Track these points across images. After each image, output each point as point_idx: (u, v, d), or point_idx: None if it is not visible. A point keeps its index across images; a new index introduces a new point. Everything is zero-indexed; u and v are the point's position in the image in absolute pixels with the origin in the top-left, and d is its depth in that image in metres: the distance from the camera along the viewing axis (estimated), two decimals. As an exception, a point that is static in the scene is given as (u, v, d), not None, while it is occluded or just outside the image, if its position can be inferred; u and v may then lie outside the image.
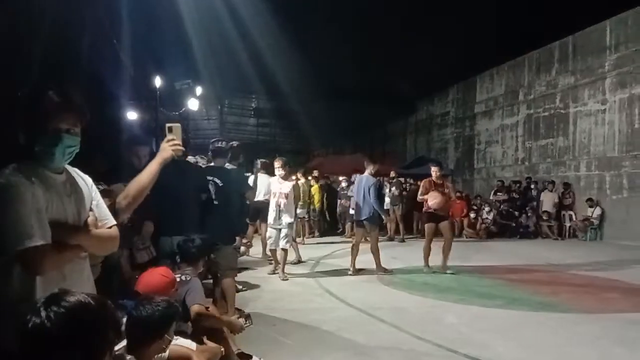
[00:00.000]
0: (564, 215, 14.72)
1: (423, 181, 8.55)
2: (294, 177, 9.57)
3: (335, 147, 31.53)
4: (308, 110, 25.60)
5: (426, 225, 8.43)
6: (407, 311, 5.80)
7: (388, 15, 20.48)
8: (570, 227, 14.56)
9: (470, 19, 18.38)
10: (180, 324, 3.18)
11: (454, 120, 22.09)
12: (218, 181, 5.01)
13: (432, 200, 8.03)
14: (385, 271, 8.16)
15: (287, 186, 7.71)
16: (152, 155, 2.59)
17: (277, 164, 7.67)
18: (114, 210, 2.20)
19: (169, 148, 2.42)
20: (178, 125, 2.55)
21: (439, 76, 21.84)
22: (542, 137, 16.66)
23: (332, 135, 29.74)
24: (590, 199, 14.10)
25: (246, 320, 3.67)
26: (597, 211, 13.86)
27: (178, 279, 3.42)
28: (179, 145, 2.46)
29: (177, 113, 18.69)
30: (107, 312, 1.47)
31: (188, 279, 3.51)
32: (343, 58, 19.52)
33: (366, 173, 8.24)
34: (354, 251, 8.14)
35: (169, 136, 2.47)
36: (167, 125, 2.54)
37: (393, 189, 13.59)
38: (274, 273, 7.85)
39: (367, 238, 8.39)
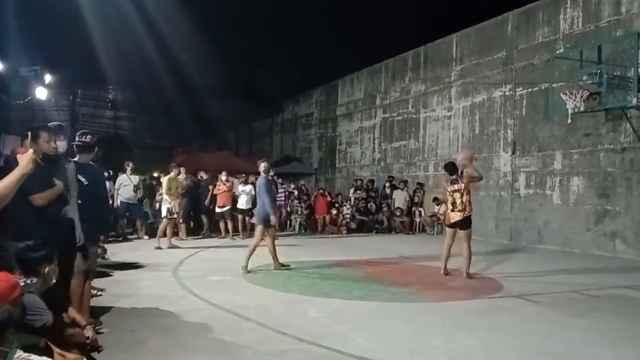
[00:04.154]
0: (414, 211, 15.98)
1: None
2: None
3: (200, 145, 30.79)
4: (171, 106, 24.67)
5: None
6: (271, 308, 5.88)
7: (256, 17, 20.54)
8: (419, 222, 15.86)
9: (334, 25, 19.13)
10: (30, 337, 2.92)
11: (317, 121, 22.82)
12: (83, 179, 4.64)
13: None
14: (245, 269, 8.17)
15: None
16: None
17: None
18: None
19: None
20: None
21: (304, 78, 22.44)
22: (396, 139, 17.90)
23: (196, 132, 28.99)
24: (436, 198, 15.47)
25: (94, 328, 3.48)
26: (443, 208, 15.26)
27: (23, 284, 3.13)
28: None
29: (21, 102, 16.81)
30: None
31: (34, 281, 3.27)
32: (209, 55, 19.15)
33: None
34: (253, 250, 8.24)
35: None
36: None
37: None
38: None
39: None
